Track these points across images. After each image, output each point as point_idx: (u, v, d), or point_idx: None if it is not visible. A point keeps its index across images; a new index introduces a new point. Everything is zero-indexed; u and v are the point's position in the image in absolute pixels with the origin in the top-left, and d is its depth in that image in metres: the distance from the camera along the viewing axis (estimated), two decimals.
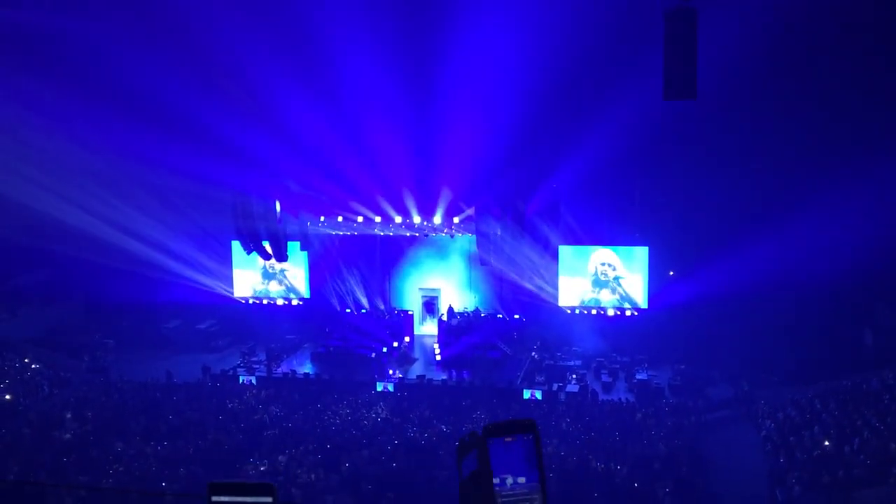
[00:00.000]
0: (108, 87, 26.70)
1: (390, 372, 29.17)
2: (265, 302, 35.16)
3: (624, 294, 31.39)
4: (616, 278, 31.42)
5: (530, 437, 2.97)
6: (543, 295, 32.22)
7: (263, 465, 20.52)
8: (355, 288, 34.99)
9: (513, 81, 26.39)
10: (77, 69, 26.39)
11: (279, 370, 29.78)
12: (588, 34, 23.74)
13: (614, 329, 31.22)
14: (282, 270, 34.63)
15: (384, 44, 26.66)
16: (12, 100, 26.11)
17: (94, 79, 26.50)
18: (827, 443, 20.18)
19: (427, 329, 34.27)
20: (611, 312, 31.44)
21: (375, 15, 26.10)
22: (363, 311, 34.58)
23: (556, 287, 31.92)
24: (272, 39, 26.48)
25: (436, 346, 31.41)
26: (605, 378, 28.25)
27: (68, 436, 22.93)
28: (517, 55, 25.62)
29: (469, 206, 30.61)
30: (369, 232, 33.28)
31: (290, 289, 35.00)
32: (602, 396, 26.42)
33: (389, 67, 27.27)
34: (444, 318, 32.27)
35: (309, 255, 34.20)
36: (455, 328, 31.51)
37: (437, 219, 30.94)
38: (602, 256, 31.62)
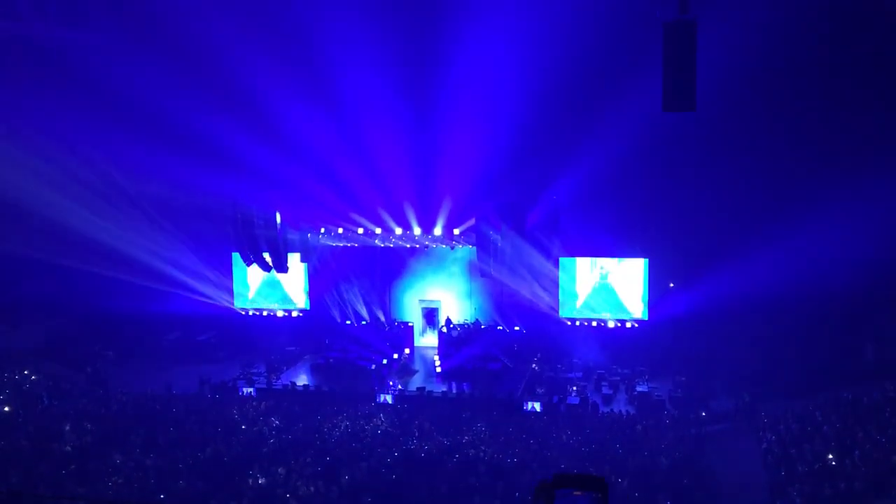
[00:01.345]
0: (109, 97, 26.79)
1: (390, 384, 29.11)
2: (265, 313, 35.15)
3: (624, 306, 31.40)
4: (614, 289, 31.46)
5: (598, 495, 2.93)
6: (544, 306, 32.21)
7: (263, 477, 20.44)
8: (355, 299, 34.97)
9: (513, 93, 26.47)
10: (78, 80, 26.47)
11: (279, 382, 29.73)
12: (588, 46, 23.84)
13: (615, 341, 31.21)
14: (281, 282, 34.63)
15: (385, 56, 26.77)
16: (14, 110, 26.20)
17: (95, 90, 26.56)
18: (830, 456, 20.09)
19: (427, 341, 34.24)
20: (611, 324, 31.45)
21: (376, 28, 26.19)
22: (363, 322, 34.54)
23: (556, 298, 31.94)
24: (274, 51, 26.60)
25: (436, 357, 31.35)
26: (605, 390, 28.17)
27: (68, 448, 22.86)
28: (518, 67, 25.73)
29: (469, 218, 30.62)
30: (370, 243, 33.29)
31: (290, 300, 34.99)
32: (602, 409, 26.35)
33: (390, 80, 27.38)
34: (444, 329, 32.23)
35: (309, 267, 34.21)
36: (455, 340, 31.47)
37: (438, 230, 30.97)
38: (601, 268, 31.66)
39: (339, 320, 34.77)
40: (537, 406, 26.13)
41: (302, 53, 27.00)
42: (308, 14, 25.97)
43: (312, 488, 19.67)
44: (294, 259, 32.83)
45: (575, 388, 28.06)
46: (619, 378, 29.18)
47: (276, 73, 27.00)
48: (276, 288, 34.87)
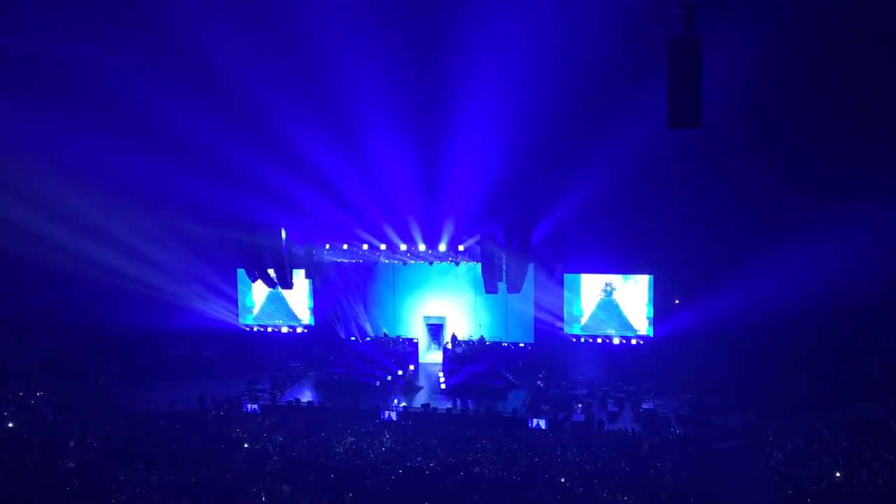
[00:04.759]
0: (117, 112, 26.94)
1: (395, 401, 29.00)
2: (269, 329, 35.15)
3: (629, 322, 31.34)
4: (619, 306, 31.45)
5: None
6: (548, 323, 32.16)
7: (267, 494, 20.34)
8: (360, 315, 34.98)
9: (519, 109, 26.52)
10: (83, 94, 26.65)
11: (283, 398, 29.63)
12: (593, 62, 23.89)
13: (620, 357, 31.12)
14: (286, 298, 34.62)
15: (391, 74, 26.86)
16: (20, 125, 26.34)
17: (103, 104, 26.76)
18: (838, 474, 19.94)
19: (432, 357, 34.20)
20: (616, 341, 31.38)
21: (383, 47, 26.28)
22: (368, 338, 34.53)
23: (561, 315, 31.92)
24: (281, 69, 26.71)
25: (440, 374, 31.26)
26: (611, 407, 28.04)
27: (72, 464, 22.78)
28: (524, 83, 25.78)
29: (474, 234, 30.63)
30: (374, 259, 33.31)
31: (295, 316, 34.97)
32: (608, 426, 26.20)
33: (396, 96, 27.44)
34: (449, 346, 32.19)
35: (314, 283, 34.22)
36: (460, 356, 31.42)
37: (443, 246, 30.96)
38: (607, 284, 31.65)
39: (343, 336, 34.77)
40: (542, 423, 26.00)
41: (309, 70, 27.10)
42: (315, 30, 26.08)
43: None
44: (299, 275, 32.85)
45: (580, 405, 27.94)
46: (624, 395, 29.05)
47: (284, 91, 27.11)
48: (280, 304, 34.89)
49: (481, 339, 32.82)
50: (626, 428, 25.64)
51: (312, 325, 34.99)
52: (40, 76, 27.01)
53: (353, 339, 34.80)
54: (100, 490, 20.80)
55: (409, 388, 30.78)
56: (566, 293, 31.93)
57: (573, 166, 28.75)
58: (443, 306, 34.54)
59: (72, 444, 24.14)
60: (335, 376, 31.37)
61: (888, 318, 27.43)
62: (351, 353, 33.18)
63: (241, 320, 35.25)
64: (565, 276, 31.92)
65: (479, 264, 30.81)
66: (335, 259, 33.87)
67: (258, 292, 34.79)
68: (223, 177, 28.07)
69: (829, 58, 23.61)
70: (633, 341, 31.28)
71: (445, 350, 32.32)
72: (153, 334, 32.88)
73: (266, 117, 27.63)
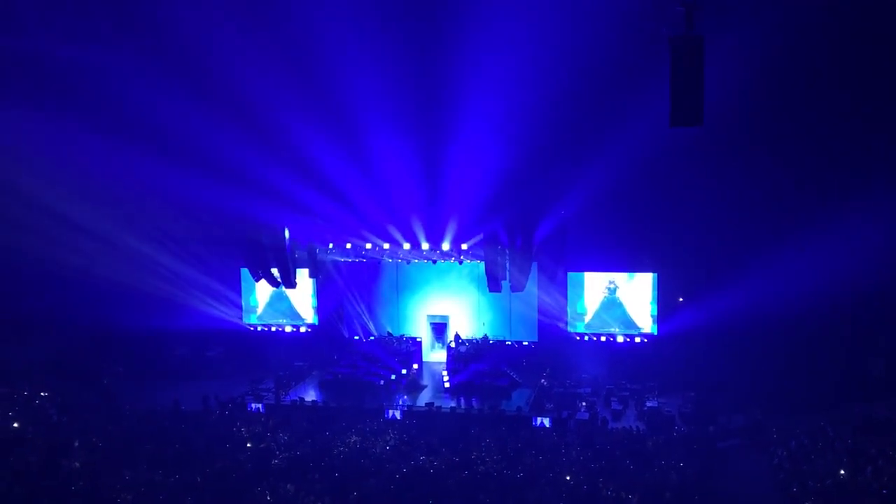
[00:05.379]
0: (117, 112, 26.98)
1: (399, 400, 29.06)
2: (273, 329, 35.20)
3: (633, 321, 31.35)
4: (623, 304, 31.46)
5: None
6: (552, 321, 32.18)
7: (271, 493, 20.40)
8: (363, 315, 35.04)
9: (521, 108, 26.53)
10: (85, 94, 26.69)
11: (287, 398, 29.70)
12: (593, 62, 23.91)
13: (624, 356, 31.15)
14: (290, 297, 34.67)
15: (394, 74, 26.90)
16: (21, 127, 26.41)
17: (104, 104, 26.78)
18: (842, 472, 19.97)
19: (436, 356, 34.25)
20: (620, 339, 31.40)
21: (385, 47, 26.31)
22: (371, 338, 34.57)
23: (564, 313, 31.94)
24: (283, 68, 26.75)
25: (444, 373, 31.31)
26: (615, 405, 28.07)
27: (76, 464, 22.86)
28: (526, 82, 25.80)
29: (478, 233, 30.65)
30: (378, 258, 33.35)
31: (299, 316, 35.02)
32: (612, 424, 26.24)
33: (399, 96, 27.48)
34: (453, 345, 32.22)
35: (317, 282, 34.27)
36: (463, 355, 31.46)
37: (446, 245, 30.98)
38: (610, 282, 31.66)
39: (347, 336, 34.82)
40: (546, 421, 26.04)
41: (310, 70, 27.14)
42: (315, 30, 26.12)
43: None
44: (302, 274, 32.90)
45: (584, 404, 27.97)
46: (628, 393, 29.08)
47: (286, 90, 27.15)
48: (284, 303, 34.94)
49: (485, 338, 32.88)
50: (630, 426, 25.67)
51: (316, 324, 35.03)
52: (40, 76, 27.04)
53: (356, 338, 34.86)
54: (104, 490, 20.88)
55: (413, 387, 30.85)
56: (570, 291, 31.96)
57: (575, 165, 28.77)
58: (446, 305, 34.59)
59: (76, 444, 24.23)
60: (339, 375, 31.45)
61: (888, 318, 27.43)
62: (355, 353, 33.23)
63: (244, 320, 35.31)
64: (569, 274, 31.95)
65: (483, 263, 30.83)
66: (338, 258, 33.92)
67: (262, 292, 34.86)
68: (225, 177, 28.11)
69: (828, 58, 23.59)
70: (637, 339, 31.29)
71: (449, 349, 32.37)
72: (156, 334, 32.94)
73: (268, 117, 27.68)
